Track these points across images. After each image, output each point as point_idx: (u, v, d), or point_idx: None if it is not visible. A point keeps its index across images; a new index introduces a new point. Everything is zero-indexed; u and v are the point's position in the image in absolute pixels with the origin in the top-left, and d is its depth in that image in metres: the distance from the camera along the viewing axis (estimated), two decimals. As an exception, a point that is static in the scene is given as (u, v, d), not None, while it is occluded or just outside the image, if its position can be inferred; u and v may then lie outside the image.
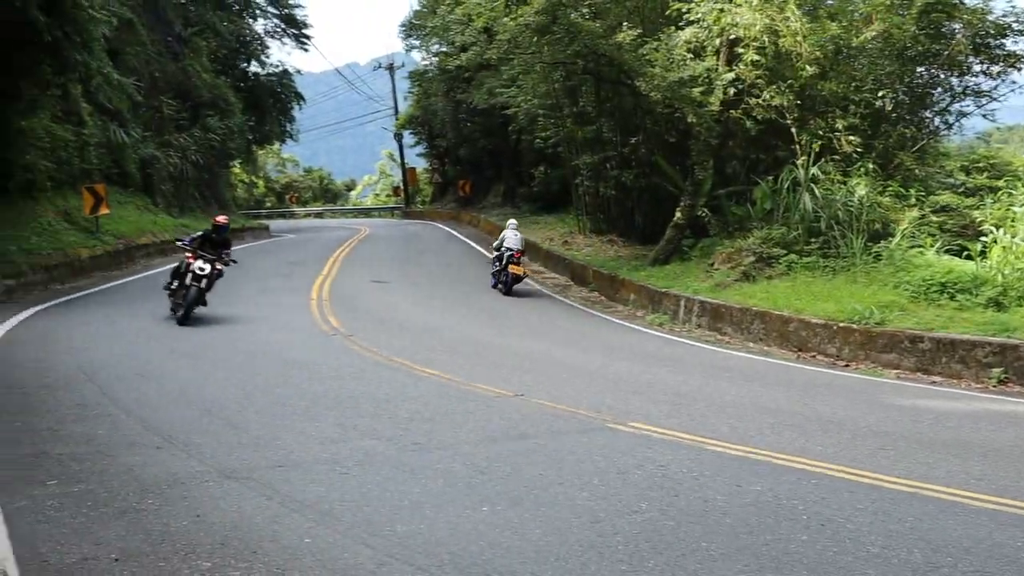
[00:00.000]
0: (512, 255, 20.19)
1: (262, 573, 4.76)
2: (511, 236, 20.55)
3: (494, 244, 21.67)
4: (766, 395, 10.79)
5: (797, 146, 18.95)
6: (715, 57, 19.37)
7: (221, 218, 16.12)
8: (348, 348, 13.54)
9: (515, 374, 11.60)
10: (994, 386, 11.18)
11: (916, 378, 11.96)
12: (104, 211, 23.27)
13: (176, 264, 15.50)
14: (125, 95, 26.12)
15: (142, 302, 17.01)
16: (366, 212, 66.52)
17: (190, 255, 14.61)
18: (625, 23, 20.63)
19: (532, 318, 17.98)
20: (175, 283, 14.78)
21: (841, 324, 13.49)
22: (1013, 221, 14.79)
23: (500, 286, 20.61)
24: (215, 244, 15.26)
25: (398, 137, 57.18)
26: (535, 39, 21.13)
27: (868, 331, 13.03)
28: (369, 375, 11.36)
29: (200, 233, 15.78)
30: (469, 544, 5.26)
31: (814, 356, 13.64)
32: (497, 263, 20.83)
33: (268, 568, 4.82)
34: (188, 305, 14.19)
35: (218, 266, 14.73)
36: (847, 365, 12.92)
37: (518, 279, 20.52)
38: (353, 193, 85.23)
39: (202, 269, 14.31)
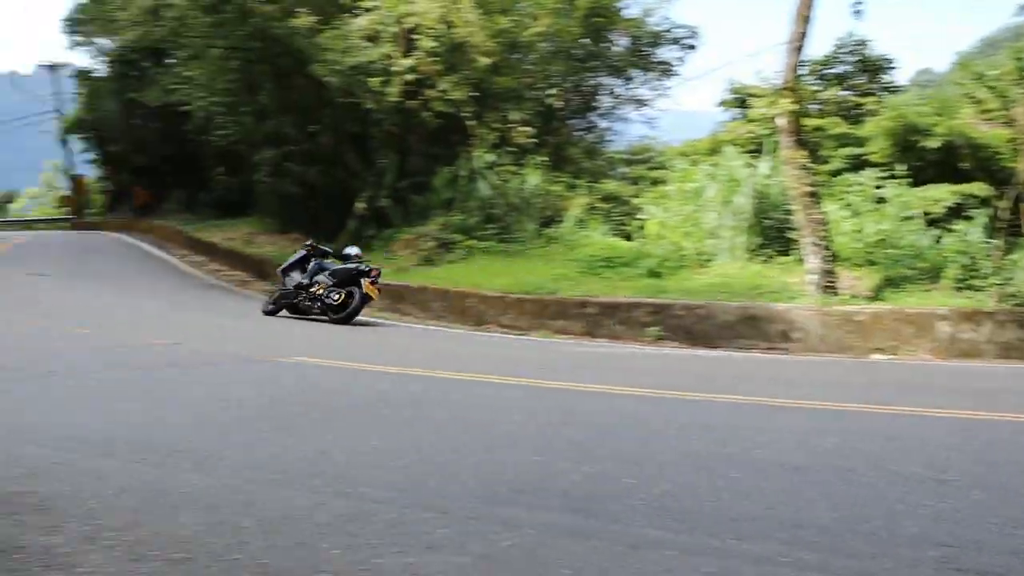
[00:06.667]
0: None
1: None
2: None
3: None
4: (431, 345, 11.89)
5: (475, 139, 19.41)
6: (392, 45, 19.43)
7: None
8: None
9: (178, 333, 11.61)
10: (652, 343, 11.86)
11: (582, 341, 12.44)
12: None
13: None
14: None
15: None
16: (28, 224, 60.63)
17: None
18: (300, 9, 20.24)
19: (201, 302, 17.27)
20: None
21: (516, 296, 13.85)
22: (665, 198, 15.94)
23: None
24: None
25: (64, 143, 52.77)
26: (205, 19, 20.17)
27: (541, 300, 13.46)
28: (6, 331, 11.25)
29: None
30: (99, 431, 5.48)
31: (491, 328, 13.87)
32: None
33: None
34: None
35: None
36: (522, 333, 13.24)
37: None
38: (13, 206, 77.79)
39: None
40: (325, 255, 15.12)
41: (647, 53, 21.88)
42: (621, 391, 7.46)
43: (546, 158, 19.26)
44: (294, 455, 4.88)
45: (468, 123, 19.60)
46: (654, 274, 13.83)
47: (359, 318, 14.01)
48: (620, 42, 21.58)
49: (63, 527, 3.44)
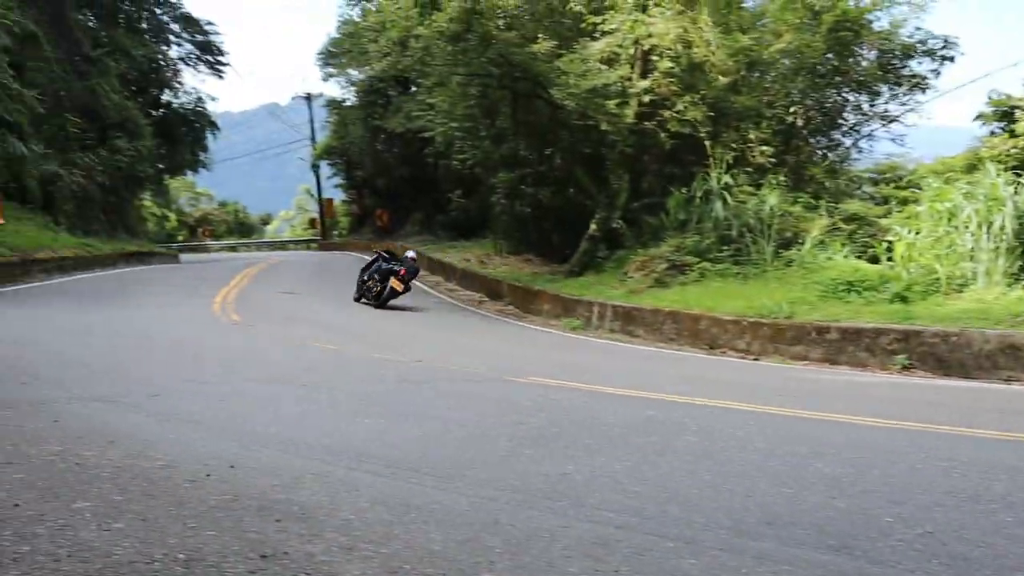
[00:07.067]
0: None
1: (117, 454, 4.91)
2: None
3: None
4: (664, 369, 11.54)
5: (711, 159, 19.07)
6: (629, 67, 19.46)
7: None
8: (244, 333, 13.82)
9: (418, 350, 11.95)
10: (899, 372, 11.18)
11: (822, 368, 11.89)
12: (-3, 221, 22.27)
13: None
14: (25, 107, 25.15)
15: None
16: (281, 245, 65.17)
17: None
18: (540, 35, 20.70)
19: (439, 320, 17.96)
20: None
21: (751, 319, 13.43)
22: (915, 218, 15.03)
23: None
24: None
25: (315, 168, 56.33)
26: (449, 48, 20.99)
27: (777, 324, 12.98)
28: (265, 346, 12.05)
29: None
30: (349, 444, 5.65)
31: (724, 352, 13.53)
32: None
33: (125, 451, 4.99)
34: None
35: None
36: (756, 359, 12.84)
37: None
38: (269, 227, 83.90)
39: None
40: (386, 259, 19.64)
41: (897, 67, 20.73)
42: (871, 422, 7.02)
43: (785, 178, 18.63)
44: (535, 475, 4.88)
45: (704, 143, 19.31)
46: (901, 299, 13.00)
47: (592, 339, 14.52)
48: (868, 56, 20.57)
49: (322, 536, 3.56)
